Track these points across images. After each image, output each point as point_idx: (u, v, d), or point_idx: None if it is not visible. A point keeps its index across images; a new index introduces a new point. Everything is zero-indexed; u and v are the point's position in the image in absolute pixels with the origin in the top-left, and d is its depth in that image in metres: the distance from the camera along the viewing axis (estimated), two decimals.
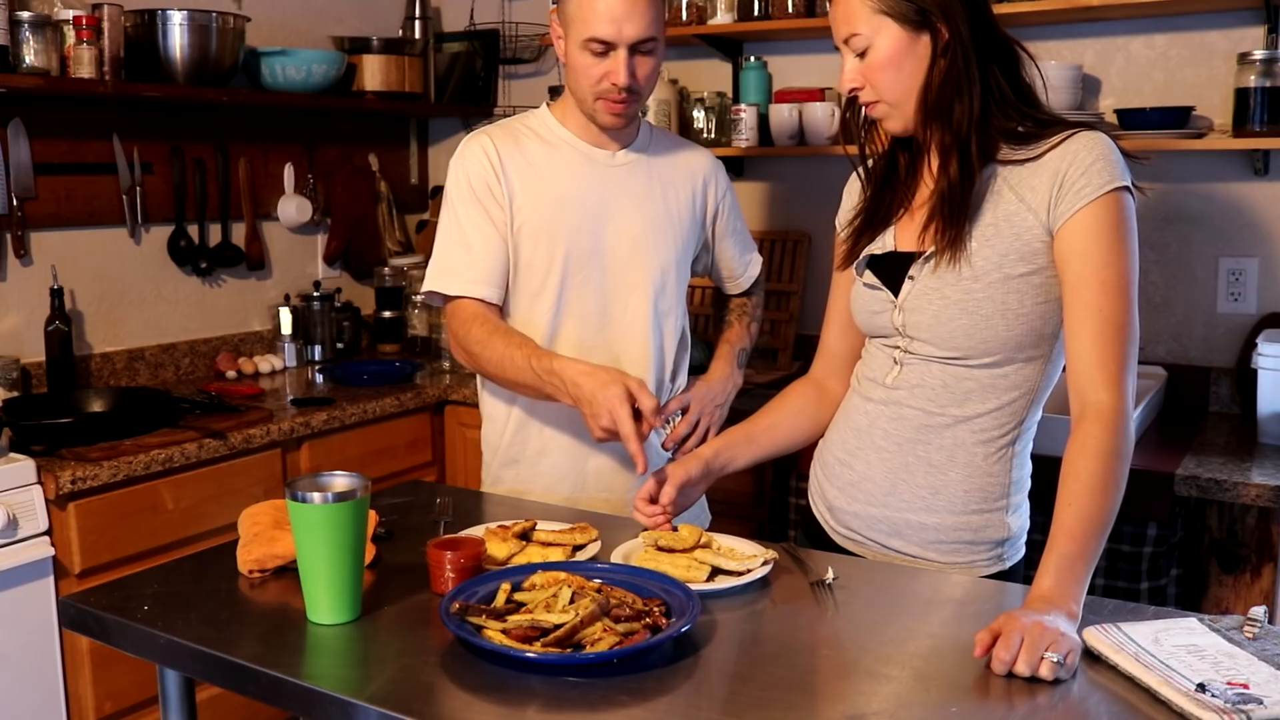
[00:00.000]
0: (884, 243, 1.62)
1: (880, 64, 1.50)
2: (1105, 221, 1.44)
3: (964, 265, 1.51)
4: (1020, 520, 1.62)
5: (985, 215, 1.51)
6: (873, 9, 1.49)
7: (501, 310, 1.95)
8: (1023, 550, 1.64)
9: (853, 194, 1.73)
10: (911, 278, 1.56)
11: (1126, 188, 1.46)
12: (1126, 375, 1.44)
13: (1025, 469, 1.62)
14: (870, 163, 1.66)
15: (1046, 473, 1.54)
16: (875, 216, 1.64)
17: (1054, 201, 1.47)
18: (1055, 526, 1.37)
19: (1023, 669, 1.18)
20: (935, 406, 1.57)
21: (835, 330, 1.78)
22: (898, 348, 1.60)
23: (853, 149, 1.67)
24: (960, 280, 1.51)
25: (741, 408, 2.10)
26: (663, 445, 2.01)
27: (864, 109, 1.57)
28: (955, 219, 1.50)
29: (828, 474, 1.71)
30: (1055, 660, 1.17)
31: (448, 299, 1.93)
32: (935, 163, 1.57)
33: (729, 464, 1.73)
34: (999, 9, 2.59)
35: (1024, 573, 1.62)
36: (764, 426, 1.77)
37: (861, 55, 1.52)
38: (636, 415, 1.67)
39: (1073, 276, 1.46)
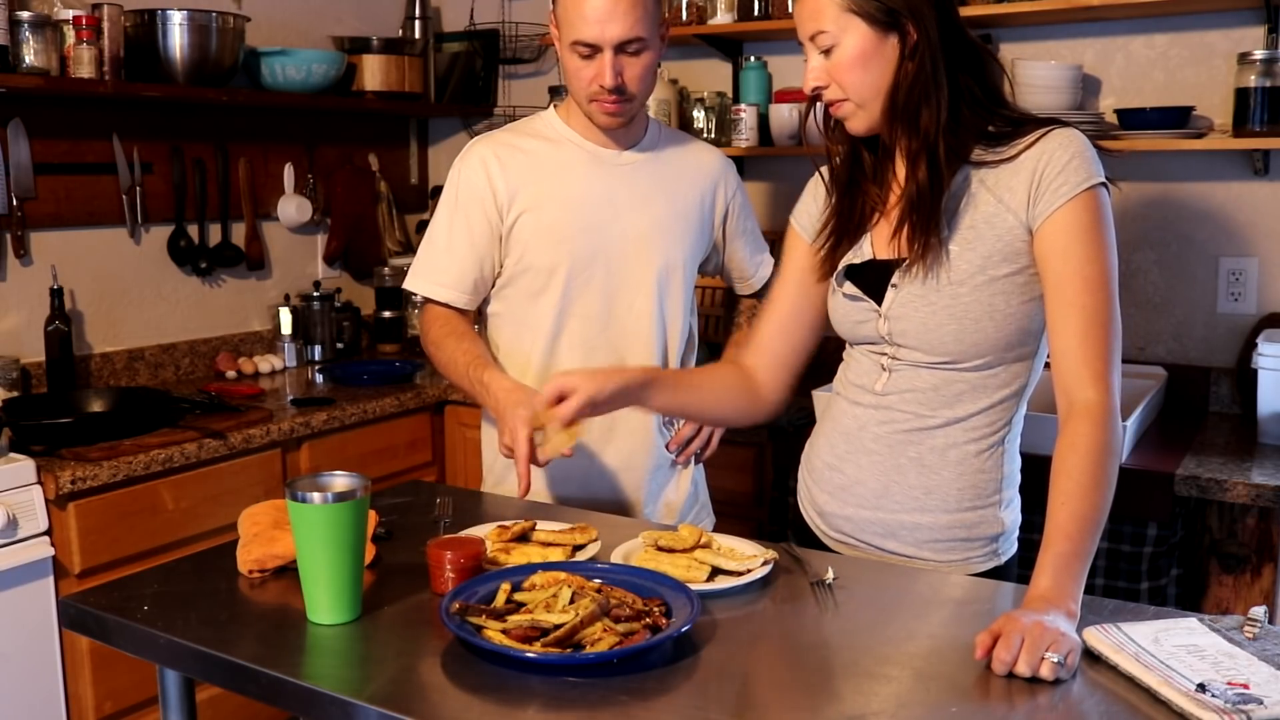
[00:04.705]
0: (861, 251, 1.59)
1: (847, 63, 1.49)
2: (1084, 219, 1.45)
3: (948, 270, 1.50)
4: (1013, 515, 1.62)
5: (964, 218, 1.51)
6: (841, 7, 1.47)
7: (480, 313, 2.01)
8: (1016, 545, 1.64)
9: (818, 196, 1.69)
10: (894, 285, 1.54)
11: (1103, 184, 1.47)
12: (1112, 371, 1.44)
13: (1015, 463, 1.62)
14: (836, 163, 1.63)
15: (1039, 472, 1.55)
16: (849, 223, 1.61)
17: (1032, 201, 1.47)
18: (1050, 526, 1.37)
19: (1023, 669, 1.18)
20: (927, 409, 1.56)
21: (773, 327, 1.72)
22: (885, 354, 1.59)
23: (817, 149, 1.64)
24: (946, 285, 1.50)
25: None
26: (667, 446, 2.01)
27: (828, 108, 1.55)
28: (925, 225, 1.49)
29: (816, 479, 1.69)
30: (1056, 660, 1.17)
31: (426, 300, 1.99)
32: (902, 166, 1.55)
33: (646, 400, 1.64)
34: (1000, 9, 2.59)
35: (1018, 569, 1.62)
36: (690, 383, 1.71)
37: (827, 53, 1.50)
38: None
39: (1054, 274, 1.46)
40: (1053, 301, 1.46)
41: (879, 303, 1.56)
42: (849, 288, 1.60)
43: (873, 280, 1.58)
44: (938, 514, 1.58)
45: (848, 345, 1.67)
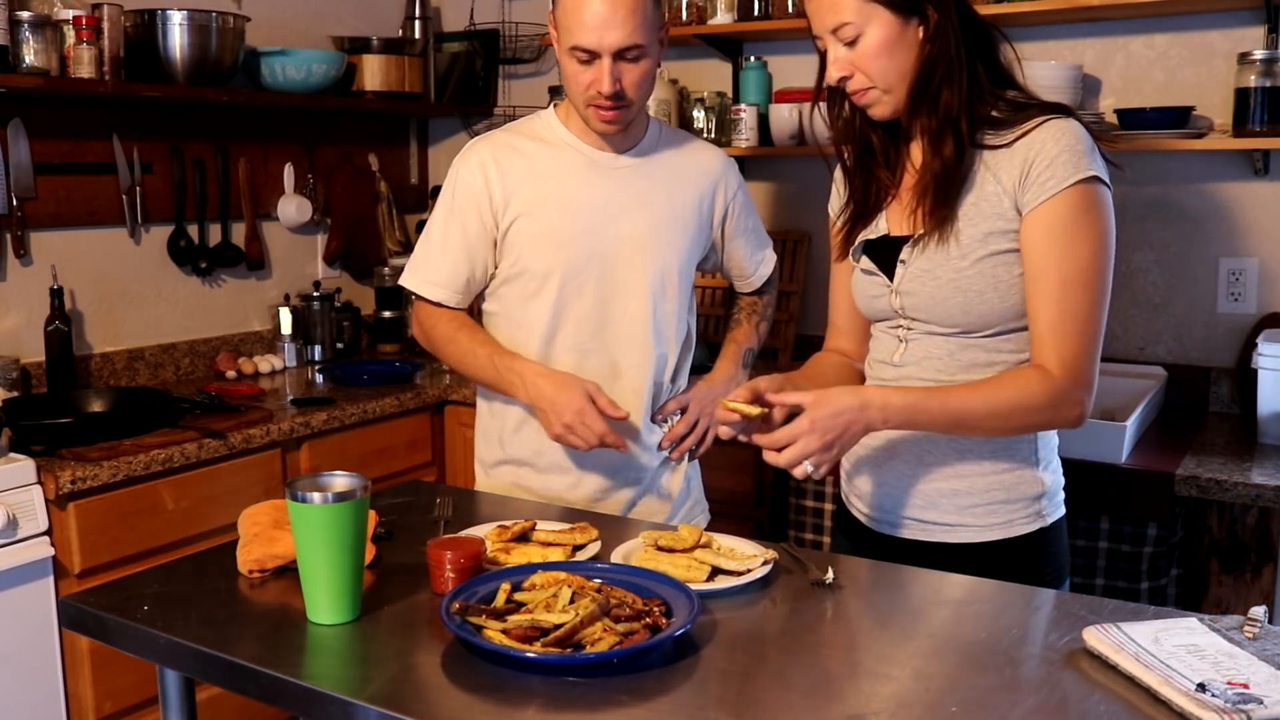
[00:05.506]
0: (876, 228, 1.65)
1: (873, 52, 1.51)
2: (1067, 215, 1.47)
3: (952, 244, 1.54)
4: (1053, 476, 1.63)
5: (968, 196, 1.54)
6: None
7: (472, 311, 2.01)
8: (1063, 508, 1.65)
9: (840, 184, 1.75)
10: (903, 261, 1.59)
11: (1095, 177, 1.48)
12: (1089, 364, 1.49)
13: None
14: (845, 158, 1.68)
15: (1068, 475, 1.55)
16: (866, 204, 1.66)
17: (1021, 190, 1.50)
18: (950, 390, 1.50)
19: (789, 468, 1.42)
20: (945, 374, 1.59)
21: (843, 311, 1.80)
22: (900, 327, 1.63)
23: (825, 149, 1.70)
24: (949, 260, 1.54)
25: None
26: (659, 445, 2.01)
27: (851, 97, 1.58)
28: (947, 199, 1.53)
29: (854, 463, 1.72)
30: (810, 469, 1.41)
31: (418, 297, 2.01)
32: (921, 145, 1.58)
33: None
34: (1000, 9, 2.59)
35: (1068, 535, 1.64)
36: (812, 374, 1.78)
37: (850, 44, 1.52)
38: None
39: (1033, 268, 1.50)
40: (1030, 293, 1.51)
41: (891, 278, 1.61)
42: (865, 262, 1.66)
43: (886, 256, 1.62)
44: (972, 478, 1.59)
45: (872, 326, 1.71)
